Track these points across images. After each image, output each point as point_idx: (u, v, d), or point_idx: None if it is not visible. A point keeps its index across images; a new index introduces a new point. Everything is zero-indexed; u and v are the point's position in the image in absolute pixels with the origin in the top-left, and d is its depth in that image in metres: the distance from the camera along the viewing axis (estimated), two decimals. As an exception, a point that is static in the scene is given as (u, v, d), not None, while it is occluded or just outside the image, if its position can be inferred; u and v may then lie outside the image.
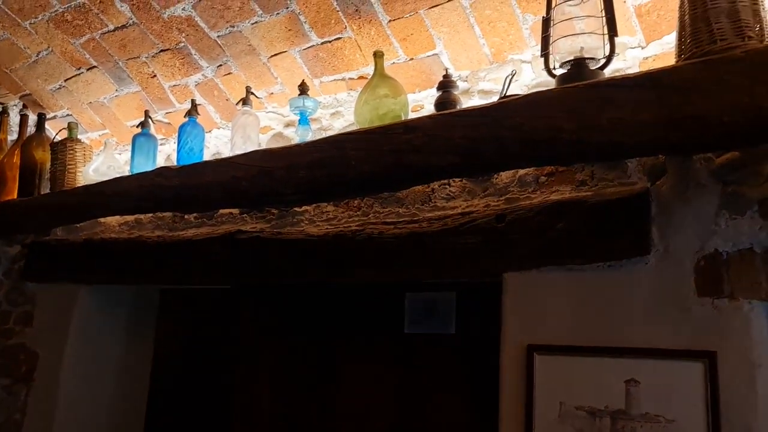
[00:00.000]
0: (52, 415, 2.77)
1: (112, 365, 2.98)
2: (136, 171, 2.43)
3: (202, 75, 2.51)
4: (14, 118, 3.07)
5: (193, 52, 2.43)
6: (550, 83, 1.75)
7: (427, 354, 2.32)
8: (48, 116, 2.91)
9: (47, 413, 2.79)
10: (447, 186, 2.06)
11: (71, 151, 2.68)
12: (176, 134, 2.45)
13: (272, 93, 2.45)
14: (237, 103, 2.35)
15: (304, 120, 2.20)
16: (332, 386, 2.47)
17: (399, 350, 2.37)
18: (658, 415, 1.48)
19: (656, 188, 1.64)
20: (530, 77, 2.01)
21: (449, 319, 2.27)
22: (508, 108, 1.58)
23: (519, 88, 1.98)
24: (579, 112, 1.50)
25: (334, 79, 2.31)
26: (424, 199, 2.10)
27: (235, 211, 2.49)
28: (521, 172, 1.91)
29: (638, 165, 1.71)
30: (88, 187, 2.45)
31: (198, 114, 2.42)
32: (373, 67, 2.07)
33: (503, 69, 2.03)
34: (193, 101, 2.44)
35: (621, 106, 1.43)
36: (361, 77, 2.25)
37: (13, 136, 3.06)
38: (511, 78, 1.85)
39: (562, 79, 1.62)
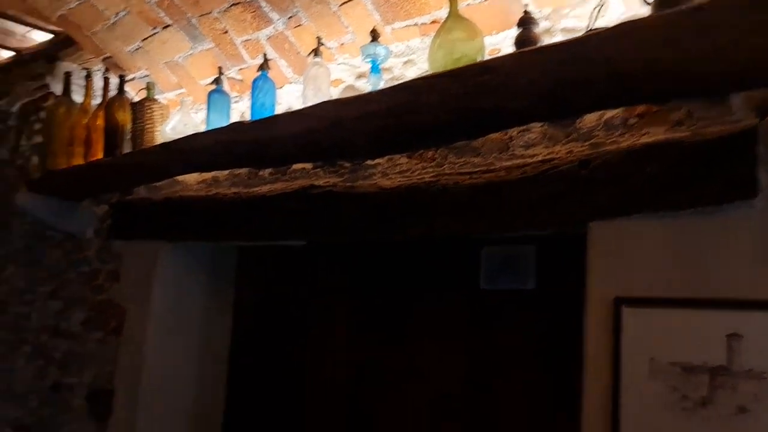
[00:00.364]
0: (140, 367, 2.89)
1: (195, 320, 3.07)
2: (211, 128, 2.44)
3: (273, 28, 2.47)
4: (98, 83, 3.16)
5: (263, 4, 2.40)
6: (643, 15, 1.59)
7: (504, 311, 2.24)
8: (127, 78, 2.98)
9: (135, 365, 2.91)
10: (526, 132, 1.95)
11: (149, 111, 2.74)
12: (249, 91, 2.44)
13: (343, 43, 2.39)
14: (308, 55, 2.31)
15: (375, 68, 2.13)
16: (405, 344, 2.44)
17: (474, 307, 2.30)
18: (764, 372, 1.35)
19: (765, 125, 1.48)
20: (620, 11, 1.84)
21: (528, 274, 2.17)
22: (596, 40, 1.45)
23: (607, 23, 1.82)
24: (677, 41, 1.36)
25: (406, 25, 2.22)
26: (502, 147, 1.99)
27: (309, 166, 2.47)
28: (608, 114, 1.77)
29: (744, 100, 1.53)
30: (165, 145, 2.49)
31: (269, 68, 2.40)
32: (446, 10, 1.96)
33: (588, 3, 1.88)
34: (264, 55, 2.41)
35: (727, 31, 1.28)
36: (434, 21, 2.15)
37: (97, 100, 3.16)
38: (599, 10, 1.70)
39: (657, 4, 1.46)
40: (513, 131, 1.96)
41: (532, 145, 1.93)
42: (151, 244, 2.99)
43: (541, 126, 1.91)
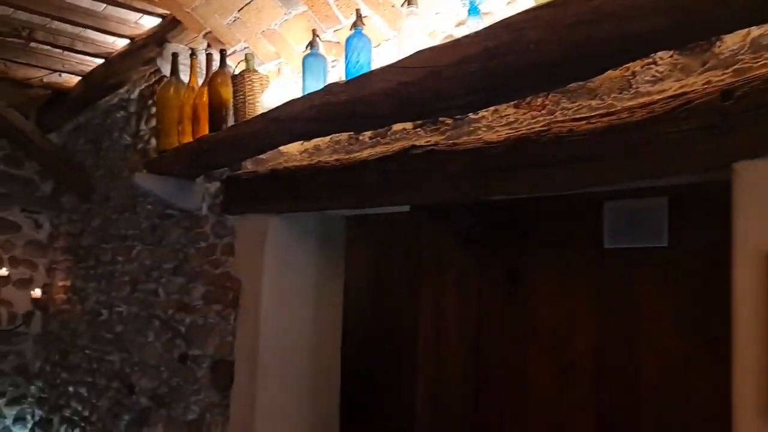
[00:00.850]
0: (257, 338, 2.93)
1: (307, 289, 3.06)
2: (306, 93, 2.37)
3: (366, -18, 2.35)
4: (202, 60, 3.20)
5: (353, -41, 2.28)
6: None
7: (632, 270, 2.01)
8: (228, 52, 2.98)
9: (252, 336, 2.96)
10: (652, 66, 1.69)
11: (249, 83, 2.71)
12: (344, 53, 2.34)
13: (439, -10, 2.22)
14: (402, 5, 2.16)
15: (474, 10, 1.94)
16: (522, 306, 2.27)
17: (598, 267, 2.08)
18: None
19: None
20: None
21: (660, 230, 1.92)
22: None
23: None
24: None
25: (507, -40, 2.01)
26: (623, 85, 1.75)
27: (409, 126, 2.34)
28: (756, 32, 1.48)
29: None
30: (263, 115, 2.45)
31: (363, 24, 2.28)
32: (551, -66, 1.73)
33: None
34: (357, 11, 2.29)
35: None
36: (538, -48, 1.92)
37: (202, 78, 3.20)
38: None
39: None
40: (635, 66, 1.71)
41: (660, 80, 1.67)
42: (260, 216, 3.01)
43: (669, 56, 1.65)
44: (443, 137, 2.18)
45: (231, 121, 2.85)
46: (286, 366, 2.98)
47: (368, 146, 2.49)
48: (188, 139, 3.03)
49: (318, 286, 3.10)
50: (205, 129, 2.97)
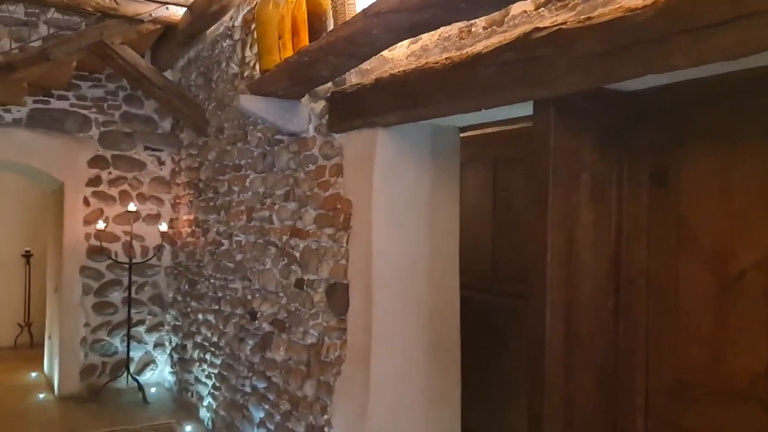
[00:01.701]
0: (370, 259, 2.79)
1: (420, 210, 2.87)
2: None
3: None
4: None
5: None
6: None
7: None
8: (324, -46, 2.75)
9: (365, 257, 2.82)
10: None
11: (347, -17, 2.47)
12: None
13: None
14: None
15: None
16: (671, 211, 1.93)
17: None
18: None
19: None
20: None
21: None
22: None
23: None
24: None
25: None
26: None
27: (530, 7, 2.00)
28: None
29: None
30: (363, 12, 2.20)
31: None
32: None
33: None
34: None
35: None
36: None
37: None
38: None
39: None
40: None
41: None
42: (368, 132, 2.81)
43: None
44: (572, 13, 1.83)
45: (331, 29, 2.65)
46: (402, 288, 2.83)
47: (482, 38, 2.19)
48: (290, 54, 2.86)
49: (432, 204, 2.89)
50: (305, 41, 2.79)
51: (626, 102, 2.01)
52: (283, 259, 3.58)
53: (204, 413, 4.66)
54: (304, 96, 3.23)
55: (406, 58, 2.58)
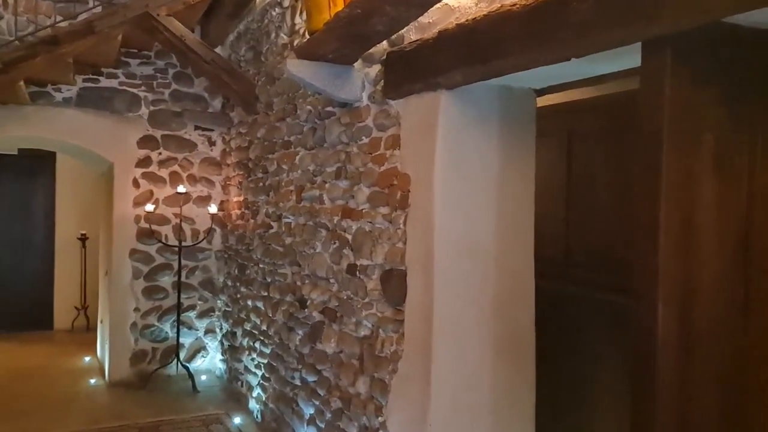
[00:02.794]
0: (431, 243, 2.43)
1: (489, 185, 2.49)
2: None
3: None
4: None
5: None
6: None
7: None
8: None
9: (425, 240, 2.47)
10: None
11: None
12: None
13: None
14: None
15: None
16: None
17: None
18: None
19: None
20: None
21: None
22: None
23: None
24: None
25: None
26: None
27: None
28: None
29: None
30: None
31: None
32: None
33: None
34: None
35: None
36: None
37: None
38: None
39: None
40: None
41: None
42: (429, 97, 2.45)
43: None
44: None
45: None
46: (468, 275, 2.46)
47: (573, -30, 1.78)
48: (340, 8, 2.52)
49: (503, 178, 2.51)
50: (357, -8, 2.44)
51: (765, 43, 1.57)
52: (334, 243, 3.26)
53: (253, 404, 4.42)
54: (356, 60, 2.89)
55: (476, 4, 2.19)
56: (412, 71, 2.49)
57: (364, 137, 2.98)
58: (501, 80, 2.26)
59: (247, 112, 4.77)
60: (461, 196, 2.43)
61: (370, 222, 2.89)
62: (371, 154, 2.90)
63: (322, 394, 3.33)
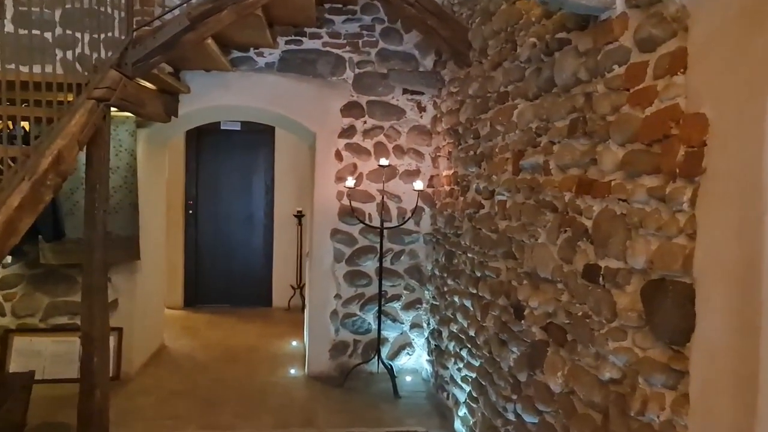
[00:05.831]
0: (760, 239, 1.29)
1: None
2: None
3: None
4: None
5: None
6: None
7: None
8: None
9: (742, 232, 1.33)
10: None
11: None
12: None
13: None
14: None
15: None
16: None
17: None
18: None
19: None
20: None
21: None
22: None
23: None
24: None
25: None
26: None
27: None
28: None
29: None
30: None
31: None
32: None
33: None
34: None
35: None
36: None
37: None
38: None
39: None
40: None
41: None
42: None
43: None
44: None
45: None
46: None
47: None
48: None
49: None
50: None
51: None
52: (565, 230, 2.22)
53: (459, 426, 3.57)
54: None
55: None
56: None
57: (615, 66, 1.88)
58: None
59: (458, 65, 3.87)
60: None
61: (625, 200, 1.80)
62: (629, 90, 1.80)
63: (542, 446, 2.34)
